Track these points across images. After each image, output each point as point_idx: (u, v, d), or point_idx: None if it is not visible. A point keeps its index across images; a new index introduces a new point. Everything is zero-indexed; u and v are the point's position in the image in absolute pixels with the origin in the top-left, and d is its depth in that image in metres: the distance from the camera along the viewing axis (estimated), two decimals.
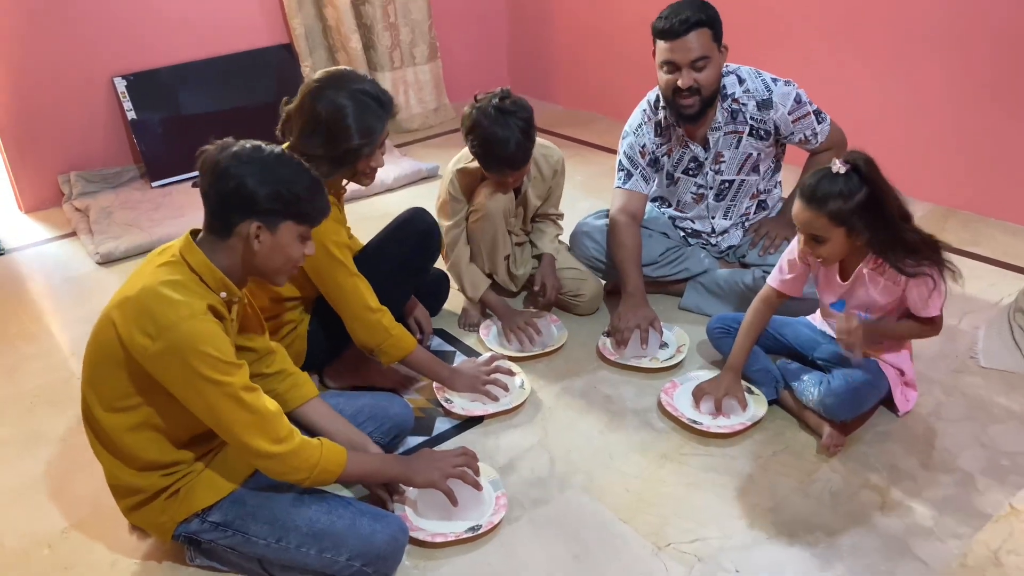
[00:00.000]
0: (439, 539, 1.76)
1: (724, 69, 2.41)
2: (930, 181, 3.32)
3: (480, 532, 1.78)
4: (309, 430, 1.76)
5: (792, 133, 2.45)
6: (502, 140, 2.25)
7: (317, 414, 1.80)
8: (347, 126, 1.91)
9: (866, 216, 1.82)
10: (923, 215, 3.24)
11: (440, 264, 2.56)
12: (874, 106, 3.37)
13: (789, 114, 2.41)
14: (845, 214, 1.82)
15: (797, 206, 1.89)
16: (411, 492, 1.84)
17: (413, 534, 1.75)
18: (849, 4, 3.32)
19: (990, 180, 3.16)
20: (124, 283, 1.57)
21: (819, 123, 2.45)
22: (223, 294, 1.55)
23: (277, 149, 1.56)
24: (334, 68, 2.03)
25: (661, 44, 2.31)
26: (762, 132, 2.44)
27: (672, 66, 2.31)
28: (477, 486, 1.79)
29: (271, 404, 1.54)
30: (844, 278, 2.01)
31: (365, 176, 2.05)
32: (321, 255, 1.95)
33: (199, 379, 1.45)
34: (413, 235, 2.30)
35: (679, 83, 2.31)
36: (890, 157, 3.50)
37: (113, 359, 1.50)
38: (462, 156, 2.51)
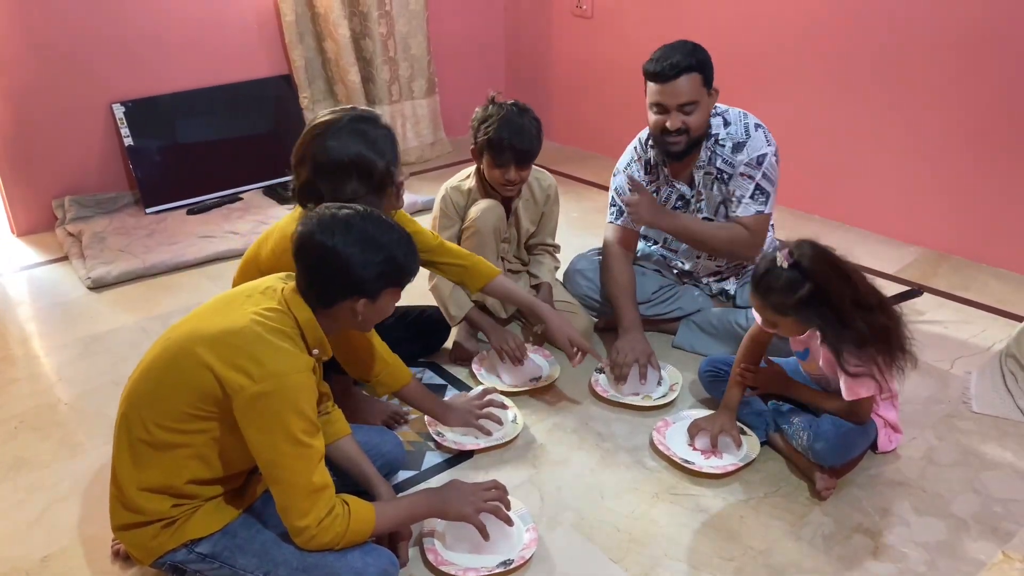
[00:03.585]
0: (471, 574, 1.74)
1: (714, 110, 2.43)
2: (922, 226, 3.34)
3: (512, 567, 1.76)
4: (333, 465, 1.79)
5: (733, 186, 2.42)
6: (518, 127, 2.34)
7: (343, 455, 1.80)
8: (367, 157, 1.92)
9: (811, 309, 1.83)
10: (915, 259, 3.26)
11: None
12: (869, 150, 3.40)
13: (745, 164, 2.38)
14: (788, 307, 1.84)
15: (750, 289, 1.92)
16: (439, 524, 1.83)
17: (443, 568, 1.74)
18: (845, 49, 3.37)
19: (982, 226, 3.19)
20: (207, 311, 1.59)
21: (752, 199, 2.39)
22: (315, 351, 1.59)
23: (368, 213, 1.59)
24: (311, 125, 1.97)
25: (651, 86, 2.34)
26: (725, 176, 2.43)
27: (661, 108, 2.34)
28: (509, 521, 1.77)
29: (327, 476, 1.55)
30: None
31: (397, 198, 2.05)
32: None
33: (284, 434, 1.47)
34: None
35: (667, 124, 2.33)
36: (884, 201, 3.55)
37: (189, 388, 1.50)
38: (456, 176, 2.56)
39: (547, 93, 4.75)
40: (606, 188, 4.02)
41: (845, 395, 1.91)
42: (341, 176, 1.91)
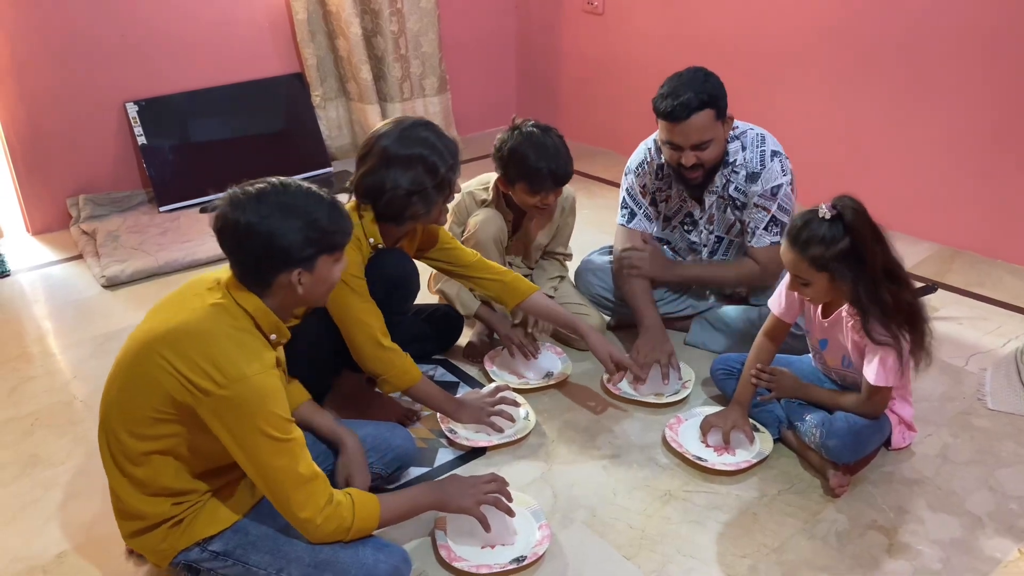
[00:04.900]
0: (484, 570, 1.74)
1: (732, 133, 2.38)
2: (937, 221, 3.32)
3: (525, 564, 1.76)
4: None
5: (748, 216, 2.41)
6: (553, 152, 2.32)
7: (303, 417, 1.81)
8: (432, 156, 1.98)
9: (847, 265, 1.81)
10: (930, 255, 3.24)
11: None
12: (883, 145, 3.38)
13: (759, 195, 2.36)
14: (826, 260, 1.82)
15: (783, 245, 1.90)
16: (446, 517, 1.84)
17: (456, 564, 1.75)
18: (860, 45, 3.35)
19: (998, 222, 3.17)
20: (159, 312, 1.56)
21: (766, 230, 2.38)
22: (273, 336, 1.56)
23: (280, 182, 1.54)
24: (380, 126, 2.05)
25: (662, 123, 2.29)
26: (739, 203, 2.43)
27: (674, 145, 2.30)
28: (510, 512, 1.77)
29: (315, 466, 1.53)
30: (826, 316, 2.00)
31: (445, 206, 2.10)
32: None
33: (259, 435, 1.45)
34: (385, 280, 2.15)
35: (682, 161, 2.31)
36: (898, 196, 3.53)
37: (151, 390, 1.48)
38: (474, 181, 2.54)
39: (558, 89, 4.75)
40: (617, 185, 4.01)
41: (872, 379, 1.87)
42: (408, 167, 1.97)
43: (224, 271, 1.60)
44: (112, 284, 3.15)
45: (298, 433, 1.52)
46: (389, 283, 2.13)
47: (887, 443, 2.09)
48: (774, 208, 2.36)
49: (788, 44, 3.57)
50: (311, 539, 1.55)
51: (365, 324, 2.01)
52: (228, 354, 1.45)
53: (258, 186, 1.52)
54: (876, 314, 1.82)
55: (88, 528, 1.93)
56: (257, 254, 1.50)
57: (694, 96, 2.20)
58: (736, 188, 2.40)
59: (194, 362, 1.44)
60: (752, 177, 2.37)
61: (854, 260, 1.81)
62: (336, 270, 1.60)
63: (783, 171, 2.36)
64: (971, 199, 3.20)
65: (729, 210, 2.45)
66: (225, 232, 1.50)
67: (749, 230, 2.41)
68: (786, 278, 2.07)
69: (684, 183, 2.41)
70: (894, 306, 1.82)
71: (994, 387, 2.39)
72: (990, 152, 3.10)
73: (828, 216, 1.80)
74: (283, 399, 1.50)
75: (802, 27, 3.50)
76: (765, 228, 2.38)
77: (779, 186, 2.35)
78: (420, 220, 2.07)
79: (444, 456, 2.15)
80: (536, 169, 2.31)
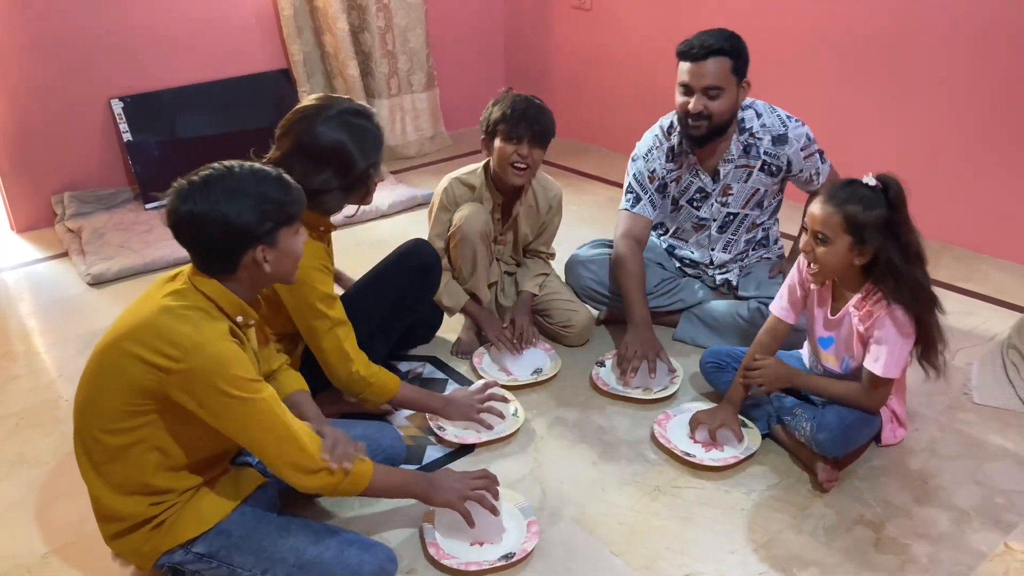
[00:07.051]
0: (473, 567, 1.74)
1: (744, 102, 2.42)
2: (924, 216, 3.29)
3: (513, 560, 1.75)
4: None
5: (802, 170, 2.47)
6: (536, 106, 2.36)
7: (297, 408, 1.78)
8: (350, 152, 1.90)
9: (878, 235, 1.82)
10: None
11: None
12: (872, 140, 3.39)
13: (802, 150, 2.44)
14: (859, 222, 1.82)
15: (816, 203, 1.89)
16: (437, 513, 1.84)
17: (445, 561, 1.75)
18: (846, 39, 3.36)
19: (985, 217, 3.18)
20: (125, 313, 1.56)
21: (823, 163, 2.49)
22: (239, 318, 1.56)
23: (224, 166, 1.53)
24: (305, 104, 1.97)
25: (681, 65, 2.34)
26: (774, 168, 2.45)
27: (687, 88, 2.34)
28: (494, 511, 1.77)
29: (298, 420, 1.54)
30: (834, 314, 2.00)
31: (369, 195, 2.03)
32: (303, 306, 1.93)
33: (228, 399, 1.45)
34: (414, 269, 2.28)
35: (690, 107, 2.32)
36: None
37: (120, 383, 1.48)
38: (462, 169, 2.54)
39: (546, 85, 4.74)
40: (608, 181, 4.02)
41: (880, 372, 1.88)
42: (319, 163, 1.89)
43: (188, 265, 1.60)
44: (98, 282, 3.13)
45: (269, 391, 1.51)
46: (420, 270, 2.25)
47: (877, 439, 2.10)
48: (816, 148, 2.47)
49: (776, 40, 3.57)
50: (298, 487, 1.55)
51: (335, 346, 1.96)
52: (179, 330, 1.45)
53: (203, 173, 1.51)
54: (897, 285, 1.85)
55: (74, 528, 1.92)
56: (215, 240, 1.49)
57: (715, 41, 2.29)
58: (766, 153, 2.44)
59: (151, 345, 1.45)
60: (780, 139, 2.42)
61: (884, 232, 1.83)
62: (298, 241, 1.59)
63: (802, 124, 2.46)
64: (959, 194, 3.22)
65: (755, 177, 2.48)
66: (179, 226, 1.50)
67: (812, 176, 2.49)
68: (787, 280, 2.07)
69: (687, 135, 2.41)
70: (924, 291, 1.87)
71: (980, 382, 2.40)
72: (978, 147, 3.11)
73: (872, 183, 1.84)
74: (244, 361, 1.49)
75: (789, 23, 3.51)
76: (822, 162, 2.51)
77: (809, 133, 2.46)
78: (336, 212, 2.00)
79: (433, 453, 2.15)
80: (514, 115, 2.32)
